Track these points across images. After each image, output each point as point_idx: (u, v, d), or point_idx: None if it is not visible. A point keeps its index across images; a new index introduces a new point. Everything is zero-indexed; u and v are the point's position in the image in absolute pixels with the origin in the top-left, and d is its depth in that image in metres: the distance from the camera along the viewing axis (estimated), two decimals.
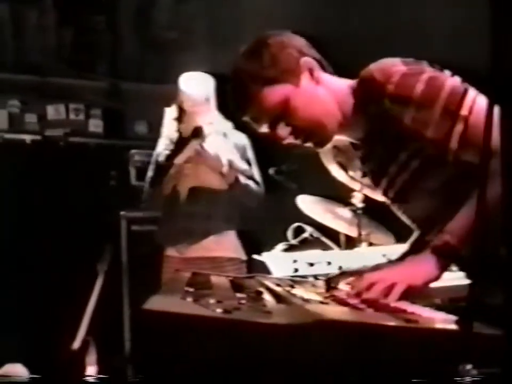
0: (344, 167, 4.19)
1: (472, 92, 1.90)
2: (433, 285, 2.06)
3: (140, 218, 6.20)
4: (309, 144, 2.17)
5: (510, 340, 1.01)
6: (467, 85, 1.93)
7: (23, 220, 6.07)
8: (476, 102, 1.87)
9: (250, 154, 4.60)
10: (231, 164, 4.37)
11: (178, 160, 4.44)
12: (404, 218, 2.28)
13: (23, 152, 6.34)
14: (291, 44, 2.15)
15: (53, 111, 6.65)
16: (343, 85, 2.17)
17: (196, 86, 4.58)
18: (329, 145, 2.20)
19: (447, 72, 1.98)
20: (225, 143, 4.51)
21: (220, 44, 6.04)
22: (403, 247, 2.45)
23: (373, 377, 1.21)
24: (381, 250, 3.40)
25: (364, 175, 2.40)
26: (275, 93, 2.08)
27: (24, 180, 6.15)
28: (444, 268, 1.86)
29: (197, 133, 4.40)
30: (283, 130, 2.13)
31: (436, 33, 3.88)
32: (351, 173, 4.14)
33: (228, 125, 4.63)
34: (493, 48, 1.06)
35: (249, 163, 4.56)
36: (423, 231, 2.21)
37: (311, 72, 2.11)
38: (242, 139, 4.59)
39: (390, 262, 2.45)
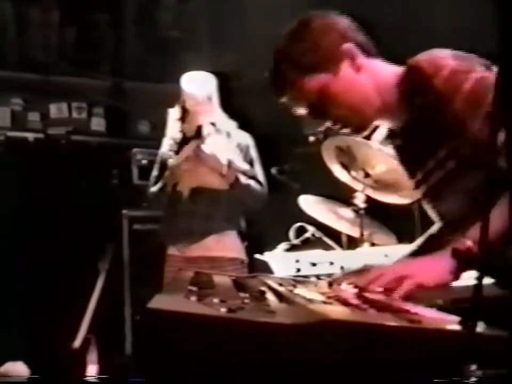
0: (347, 168, 4.19)
1: None
2: None
3: (142, 217, 6.21)
4: (346, 130, 2.14)
5: None
6: None
7: (25, 218, 6.07)
8: None
9: (253, 153, 4.59)
10: (230, 164, 4.36)
11: (176, 159, 4.45)
12: (432, 214, 2.25)
13: (25, 150, 6.35)
14: (335, 27, 2.10)
15: (56, 110, 6.66)
16: (388, 71, 2.13)
17: (198, 85, 4.59)
18: (366, 132, 2.17)
19: (495, 70, 1.91)
20: (225, 143, 4.51)
21: (222, 43, 6.05)
22: (405, 248, 2.44)
23: (376, 377, 1.21)
24: (383, 250, 3.41)
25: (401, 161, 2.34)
26: (313, 81, 2.06)
27: (27, 178, 6.15)
28: (459, 272, 1.82)
29: (200, 132, 4.41)
30: (320, 117, 2.12)
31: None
32: (353, 173, 4.15)
33: (231, 125, 4.64)
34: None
35: (252, 163, 4.56)
36: (448, 230, 2.15)
37: (352, 59, 2.07)
38: (245, 139, 4.60)
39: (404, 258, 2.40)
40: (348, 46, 2.07)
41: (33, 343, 5.52)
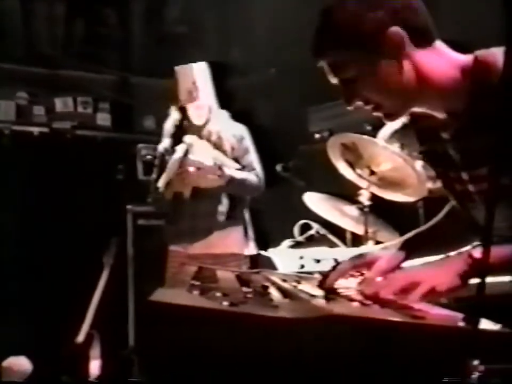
0: (352, 165, 4.18)
1: None
2: None
3: (146, 212, 6.21)
4: (379, 114, 2.02)
5: None
6: None
7: (29, 212, 6.07)
8: None
9: (248, 143, 4.61)
10: (220, 167, 4.38)
11: (166, 178, 4.48)
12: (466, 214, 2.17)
13: (30, 144, 6.34)
14: (384, 4, 1.92)
15: (61, 104, 6.64)
16: (442, 56, 1.97)
17: (183, 74, 4.63)
18: (395, 123, 2.06)
19: None
20: (208, 147, 4.55)
21: (229, 38, 6.05)
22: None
23: (379, 372, 1.20)
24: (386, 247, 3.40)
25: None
26: (350, 66, 1.95)
27: (31, 172, 6.15)
28: (468, 278, 1.76)
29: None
30: (352, 93, 1.99)
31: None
32: (358, 170, 4.14)
33: (224, 115, 4.68)
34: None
35: (247, 152, 4.58)
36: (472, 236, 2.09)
37: (397, 44, 1.91)
38: (239, 129, 4.63)
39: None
40: (395, 30, 1.90)
41: (36, 338, 5.52)
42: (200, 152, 4.44)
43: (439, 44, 1.99)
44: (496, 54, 1.82)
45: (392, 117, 2.04)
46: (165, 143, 4.65)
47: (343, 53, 1.96)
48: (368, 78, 1.95)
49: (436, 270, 1.85)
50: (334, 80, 2.03)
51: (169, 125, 4.72)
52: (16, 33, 6.47)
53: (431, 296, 1.76)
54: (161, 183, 4.46)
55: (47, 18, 6.58)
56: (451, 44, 1.97)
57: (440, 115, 2.03)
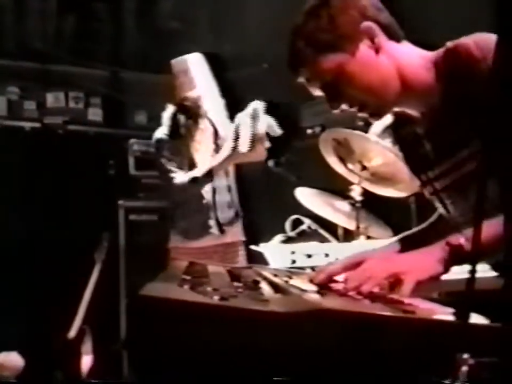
0: (344, 160, 4.19)
1: None
2: None
3: (138, 207, 6.22)
4: (364, 115, 2.06)
5: (507, 331, 1.01)
6: None
7: (20, 208, 6.06)
8: None
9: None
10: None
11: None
12: (439, 208, 2.21)
13: (21, 139, 6.32)
14: (354, 5, 1.99)
15: (53, 99, 6.63)
16: (415, 54, 2.04)
17: (178, 67, 4.67)
18: (386, 118, 2.09)
19: None
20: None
21: (222, 34, 6.04)
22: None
23: (369, 366, 1.21)
24: (378, 243, 3.40)
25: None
26: (328, 60, 1.98)
27: (22, 167, 6.14)
28: (448, 265, 1.81)
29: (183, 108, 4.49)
30: (336, 98, 2.04)
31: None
32: (350, 166, 4.15)
33: (220, 102, 4.72)
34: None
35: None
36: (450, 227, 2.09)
37: (371, 39, 1.98)
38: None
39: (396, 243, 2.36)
40: (367, 24, 1.98)
41: (28, 334, 5.52)
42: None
43: (406, 43, 2.06)
44: (467, 42, 1.85)
45: (376, 116, 2.09)
46: (163, 130, 4.66)
47: (320, 61, 1.99)
48: (348, 77, 1.98)
49: (415, 258, 1.87)
50: (316, 93, 2.08)
51: (167, 116, 4.74)
52: (7, 28, 6.45)
53: (417, 286, 1.78)
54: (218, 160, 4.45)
55: (39, 13, 6.56)
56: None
57: (416, 112, 2.07)
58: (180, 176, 4.55)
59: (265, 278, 1.92)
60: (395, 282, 1.79)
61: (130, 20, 6.98)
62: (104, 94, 6.84)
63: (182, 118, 4.60)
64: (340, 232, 4.56)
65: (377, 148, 3.84)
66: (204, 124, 4.61)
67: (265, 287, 1.69)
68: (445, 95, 1.95)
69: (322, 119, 5.30)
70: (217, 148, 4.65)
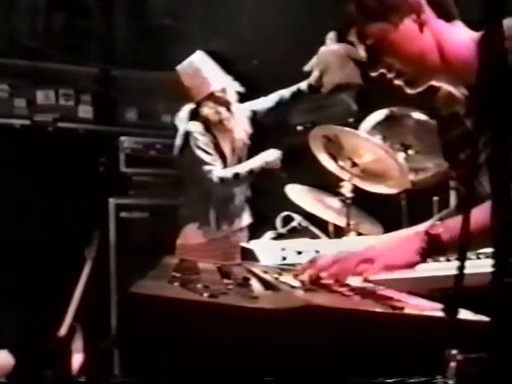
0: (334, 157, 4.19)
1: None
2: (421, 274, 2.06)
3: (129, 205, 6.22)
4: (399, 82, 2.10)
5: (495, 326, 1.01)
6: None
7: (11, 205, 6.05)
8: None
9: None
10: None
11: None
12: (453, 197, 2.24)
13: (11, 136, 6.31)
14: None
15: (43, 96, 6.61)
16: (459, 33, 2.07)
17: (187, 72, 4.68)
18: (420, 89, 2.12)
19: None
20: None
21: (213, 31, 6.04)
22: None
23: (359, 362, 1.21)
24: (369, 240, 3.40)
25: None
26: (373, 27, 2.04)
27: (12, 165, 6.12)
28: (426, 255, 1.84)
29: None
30: (376, 62, 2.10)
31: None
32: (340, 162, 4.14)
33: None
34: None
35: None
36: None
37: (417, 14, 2.02)
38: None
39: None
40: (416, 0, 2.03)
41: (18, 332, 5.50)
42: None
43: (459, 23, 2.08)
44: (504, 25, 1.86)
45: (411, 85, 2.11)
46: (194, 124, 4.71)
47: (365, 25, 2.06)
48: (388, 45, 2.04)
49: (391, 247, 1.89)
50: (360, 49, 2.14)
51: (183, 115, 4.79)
52: None
53: (387, 270, 1.83)
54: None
55: (29, 10, 6.54)
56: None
57: (456, 90, 2.10)
58: (220, 171, 4.57)
59: (255, 275, 1.92)
60: (364, 267, 1.81)
61: (121, 17, 6.98)
62: (94, 91, 6.83)
63: (210, 112, 4.63)
64: (331, 228, 4.56)
65: (368, 144, 3.84)
66: (236, 113, 4.67)
67: (255, 284, 1.69)
68: (482, 72, 1.97)
69: (312, 116, 5.31)
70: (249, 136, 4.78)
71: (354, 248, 2.06)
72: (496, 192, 1.03)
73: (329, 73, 4.44)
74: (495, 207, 1.03)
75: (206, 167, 4.57)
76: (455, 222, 1.81)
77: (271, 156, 4.67)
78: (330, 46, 4.31)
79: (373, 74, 2.13)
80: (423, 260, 1.84)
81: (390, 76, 2.09)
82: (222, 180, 4.54)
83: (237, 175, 4.56)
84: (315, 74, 4.57)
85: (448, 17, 2.08)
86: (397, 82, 2.10)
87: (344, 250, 2.08)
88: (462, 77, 2.03)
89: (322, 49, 4.35)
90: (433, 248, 1.82)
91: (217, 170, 4.55)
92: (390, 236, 2.07)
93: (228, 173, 4.57)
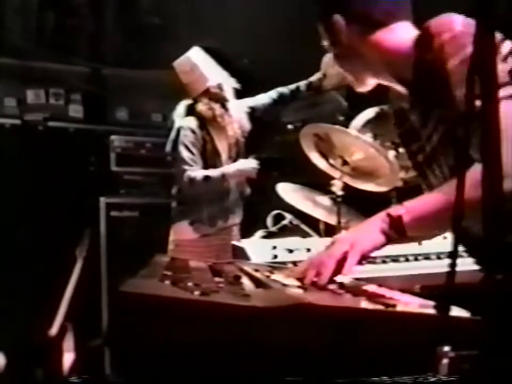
0: (325, 155, 4.19)
1: None
2: (412, 272, 2.06)
3: (119, 204, 6.21)
4: (350, 80, 2.21)
5: (487, 324, 1.02)
6: None
7: (0, 204, 6.03)
8: None
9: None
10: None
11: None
12: (423, 186, 2.27)
13: (1, 136, 6.29)
14: None
15: (33, 95, 6.60)
16: (400, 34, 2.12)
17: (183, 67, 4.69)
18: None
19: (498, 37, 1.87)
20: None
21: (202, 30, 6.04)
22: None
23: (351, 360, 1.21)
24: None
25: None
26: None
27: (2, 164, 6.10)
28: (389, 237, 1.86)
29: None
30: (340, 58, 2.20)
31: None
32: (331, 160, 4.15)
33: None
34: None
35: None
36: None
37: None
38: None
39: None
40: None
41: (9, 331, 5.49)
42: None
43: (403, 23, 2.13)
44: (439, 20, 1.92)
45: (360, 84, 2.21)
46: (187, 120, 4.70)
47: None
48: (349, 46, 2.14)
49: (358, 232, 1.92)
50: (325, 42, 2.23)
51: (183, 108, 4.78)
52: None
53: (363, 256, 1.84)
54: None
55: (18, 9, 6.53)
56: None
57: (403, 88, 2.14)
58: (192, 172, 4.56)
59: (246, 273, 1.92)
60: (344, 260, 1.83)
61: (111, 16, 6.97)
62: (84, 90, 6.82)
63: (204, 108, 4.63)
64: (322, 227, 4.57)
65: (358, 142, 3.84)
66: (231, 109, 4.67)
67: (246, 282, 1.69)
68: (417, 69, 2.03)
69: (303, 115, 5.32)
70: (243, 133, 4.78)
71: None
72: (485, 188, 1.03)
73: (329, 76, 4.47)
74: (486, 200, 1.03)
75: (182, 165, 4.56)
76: (417, 204, 1.85)
77: (247, 165, 4.66)
78: None
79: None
80: (388, 241, 1.86)
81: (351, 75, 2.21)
82: (191, 181, 4.54)
83: (207, 178, 4.55)
84: (318, 74, 4.58)
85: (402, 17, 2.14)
86: (348, 80, 2.22)
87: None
88: (402, 74, 2.08)
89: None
90: (395, 229, 1.84)
91: (190, 171, 4.54)
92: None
93: (199, 175, 4.55)
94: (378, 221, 1.87)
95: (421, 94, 2.03)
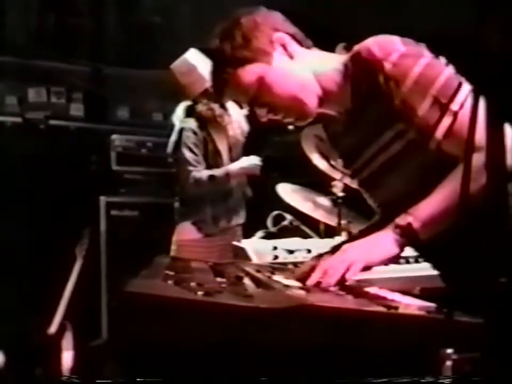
0: (326, 156, 4.19)
1: (466, 87, 1.85)
2: (412, 274, 2.07)
3: (120, 203, 6.21)
4: (289, 120, 2.13)
5: (488, 327, 1.02)
6: (461, 78, 1.90)
7: (1, 202, 6.03)
8: (468, 98, 1.83)
9: None
10: None
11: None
12: (370, 202, 2.29)
13: (3, 134, 6.29)
14: (264, 21, 2.10)
15: (34, 94, 6.60)
16: (327, 59, 2.13)
17: (181, 69, 4.67)
18: (309, 120, 2.17)
19: (442, 60, 1.95)
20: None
21: (203, 29, 6.04)
22: None
23: (352, 361, 1.21)
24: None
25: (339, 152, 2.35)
26: (248, 73, 2.05)
27: (3, 162, 6.11)
28: (402, 247, 1.87)
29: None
30: (261, 109, 2.11)
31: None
32: (332, 162, 4.15)
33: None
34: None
35: None
36: (386, 216, 2.11)
37: (284, 47, 2.08)
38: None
39: (350, 239, 2.43)
40: (279, 35, 2.08)
41: (8, 330, 5.49)
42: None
43: (315, 49, 2.17)
44: (368, 43, 1.95)
45: (302, 120, 2.16)
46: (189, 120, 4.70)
47: (241, 76, 2.08)
48: (269, 87, 2.07)
49: (365, 244, 1.93)
50: (243, 108, 2.25)
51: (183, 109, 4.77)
52: None
53: (368, 267, 1.87)
54: None
55: (20, 8, 6.53)
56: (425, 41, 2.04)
57: (333, 111, 2.17)
58: (198, 172, 4.55)
59: (248, 274, 1.92)
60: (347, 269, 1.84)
61: (112, 15, 6.97)
62: (86, 89, 6.82)
63: (203, 109, 4.63)
64: (322, 228, 4.57)
65: None
66: (230, 110, 4.68)
67: (248, 283, 1.70)
68: (355, 93, 2.04)
69: None
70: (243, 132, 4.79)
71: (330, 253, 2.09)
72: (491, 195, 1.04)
73: None
74: (489, 212, 1.04)
75: (187, 167, 4.56)
76: (424, 207, 1.85)
77: (250, 162, 4.66)
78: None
79: (263, 120, 2.16)
80: (402, 251, 1.89)
81: (279, 117, 2.13)
82: (197, 182, 4.54)
83: (212, 178, 4.55)
84: None
85: (306, 46, 2.15)
86: (287, 121, 2.14)
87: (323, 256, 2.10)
88: (337, 98, 2.09)
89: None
90: (408, 237, 1.86)
91: (195, 171, 4.55)
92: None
93: (204, 175, 4.55)
94: (390, 233, 1.88)
95: (361, 117, 2.05)
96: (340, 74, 2.06)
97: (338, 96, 2.08)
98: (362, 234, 2.20)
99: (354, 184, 2.30)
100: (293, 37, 2.12)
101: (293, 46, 2.10)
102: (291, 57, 2.08)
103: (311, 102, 2.08)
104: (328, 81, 2.08)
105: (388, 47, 1.92)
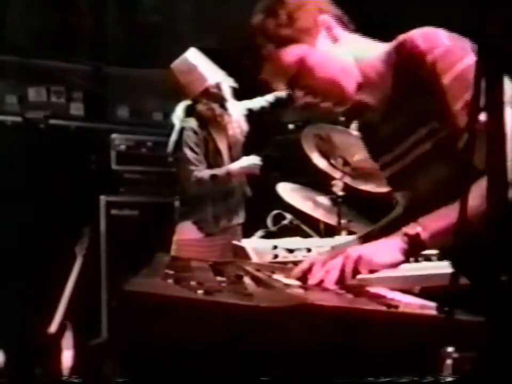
0: (326, 155, 4.19)
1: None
2: (412, 273, 2.06)
3: (120, 202, 6.22)
4: (327, 104, 2.09)
5: (489, 326, 1.02)
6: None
7: (0, 201, 6.03)
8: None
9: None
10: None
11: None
12: (398, 196, 2.27)
13: (2, 133, 6.29)
14: (310, 2, 2.06)
15: (34, 93, 6.61)
16: (370, 45, 2.10)
17: (181, 68, 4.67)
18: (347, 106, 2.14)
19: None
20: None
21: (204, 28, 6.04)
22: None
23: (353, 361, 1.21)
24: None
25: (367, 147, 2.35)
26: (290, 53, 2.02)
27: (3, 162, 6.11)
28: (407, 255, 1.86)
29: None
30: (299, 91, 2.09)
31: None
32: (332, 161, 4.15)
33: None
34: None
35: None
36: (407, 216, 2.08)
37: (328, 30, 2.04)
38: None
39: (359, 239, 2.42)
40: (324, 17, 2.04)
41: (8, 329, 5.49)
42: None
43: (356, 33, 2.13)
44: (414, 35, 1.92)
45: (340, 105, 2.11)
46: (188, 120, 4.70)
47: (282, 55, 2.04)
48: (310, 69, 2.03)
49: (375, 249, 1.91)
50: (280, 88, 2.17)
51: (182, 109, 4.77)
52: None
53: (372, 271, 1.86)
54: None
55: (21, 7, 6.53)
56: None
57: (372, 100, 2.13)
58: (200, 172, 4.55)
59: (248, 273, 1.92)
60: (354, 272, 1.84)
61: (113, 14, 6.97)
62: (86, 88, 6.83)
63: (203, 108, 4.63)
64: (322, 227, 4.57)
65: (359, 143, 3.83)
66: (230, 109, 4.68)
67: (248, 282, 1.70)
68: (396, 84, 2.01)
69: (304, 115, 5.32)
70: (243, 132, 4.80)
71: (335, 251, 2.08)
72: (492, 191, 1.03)
73: None
74: (492, 208, 1.03)
75: (189, 166, 4.56)
76: (433, 219, 1.83)
77: (250, 161, 4.66)
78: None
79: (303, 102, 2.13)
80: (407, 259, 1.87)
81: (317, 101, 2.10)
82: (199, 181, 4.54)
83: (214, 177, 4.55)
84: None
85: (350, 30, 2.12)
86: (324, 105, 2.10)
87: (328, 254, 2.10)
88: (377, 86, 2.06)
89: None
90: (414, 246, 1.84)
91: (196, 171, 4.54)
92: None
93: (206, 174, 4.55)
94: (397, 241, 1.86)
95: (400, 108, 2.03)
96: (382, 63, 2.03)
97: (378, 85, 2.05)
98: (382, 230, 2.21)
99: (384, 174, 2.27)
100: (338, 19, 2.09)
101: (337, 29, 2.06)
102: (335, 40, 2.05)
103: (350, 88, 2.05)
104: (369, 68, 2.05)
105: (432, 40, 1.89)
